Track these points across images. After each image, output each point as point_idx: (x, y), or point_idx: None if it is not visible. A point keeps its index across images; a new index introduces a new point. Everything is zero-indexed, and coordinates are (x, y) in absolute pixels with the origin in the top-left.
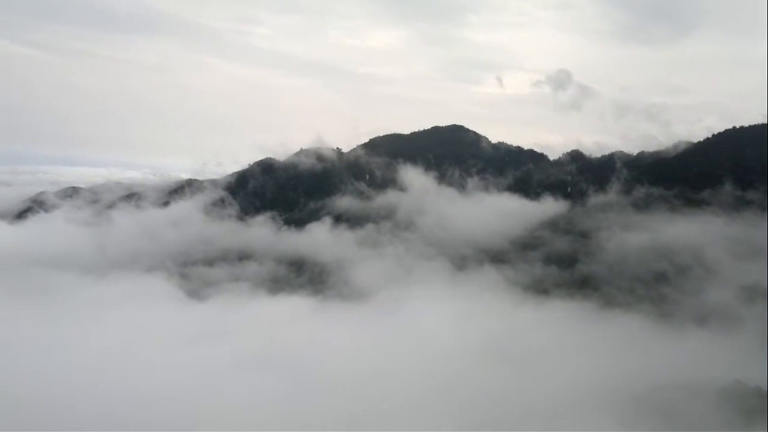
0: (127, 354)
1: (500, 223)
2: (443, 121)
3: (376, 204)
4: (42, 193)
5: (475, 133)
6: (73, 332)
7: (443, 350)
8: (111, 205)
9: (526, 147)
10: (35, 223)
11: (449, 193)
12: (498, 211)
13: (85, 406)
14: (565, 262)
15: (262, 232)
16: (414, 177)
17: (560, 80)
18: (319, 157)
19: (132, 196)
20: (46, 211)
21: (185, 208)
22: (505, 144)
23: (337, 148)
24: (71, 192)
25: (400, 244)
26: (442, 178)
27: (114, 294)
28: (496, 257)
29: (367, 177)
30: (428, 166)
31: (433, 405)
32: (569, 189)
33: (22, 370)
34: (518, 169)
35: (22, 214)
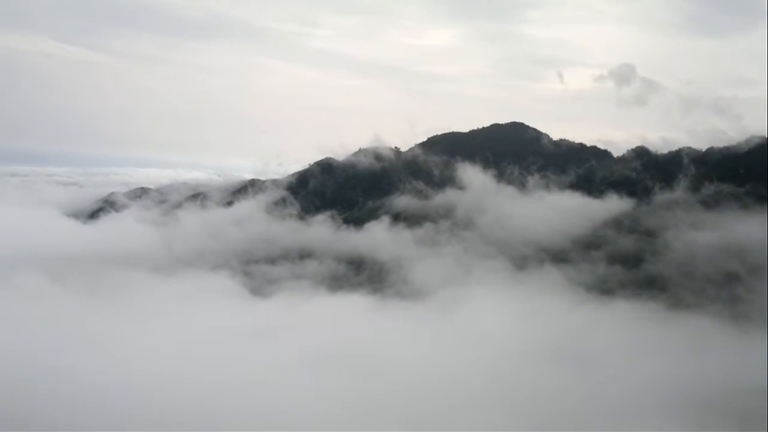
0: (194, 349)
1: (562, 222)
2: (502, 119)
3: (435, 203)
4: (113, 193)
5: (535, 130)
6: (143, 328)
7: (503, 351)
8: (178, 205)
9: (588, 144)
10: (106, 223)
11: (509, 191)
12: (559, 210)
13: (151, 399)
14: (630, 261)
15: (322, 230)
16: (473, 175)
17: (624, 75)
18: (378, 156)
19: (197, 196)
20: (116, 211)
21: (248, 207)
22: (567, 141)
23: (395, 147)
24: (140, 192)
25: (459, 243)
26: (502, 176)
27: (181, 291)
28: (558, 256)
29: (426, 176)
30: (487, 164)
31: (492, 406)
32: (634, 186)
33: (96, 364)
34: (581, 167)
35: (94, 214)
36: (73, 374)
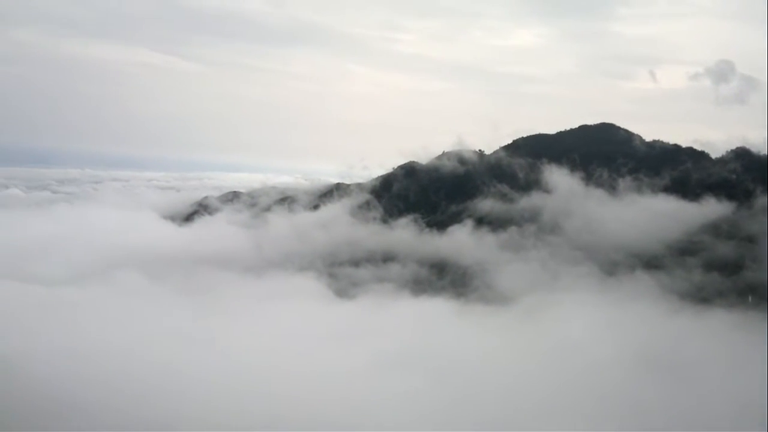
0: (281, 348)
1: (655, 227)
2: (591, 120)
3: (519, 206)
4: (206, 197)
5: (626, 131)
6: (234, 326)
7: (591, 359)
8: (267, 209)
9: (684, 145)
10: (200, 225)
11: (598, 194)
12: (652, 214)
13: (239, 396)
14: (729, 268)
15: (405, 234)
16: (559, 178)
17: (722, 72)
18: (461, 159)
19: (286, 199)
20: (209, 214)
21: (333, 210)
22: (661, 142)
23: (479, 150)
24: (232, 196)
25: (545, 247)
26: (590, 179)
27: (270, 291)
28: (650, 263)
29: (510, 179)
30: (574, 166)
31: (578, 417)
32: (734, 189)
33: (190, 361)
34: (675, 169)
35: (189, 217)
36: (168, 370)
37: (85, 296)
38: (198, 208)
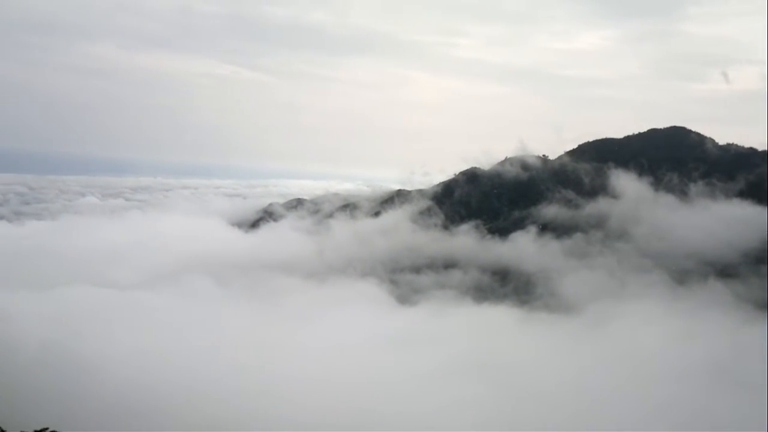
0: (344, 353)
1: (729, 233)
2: (660, 123)
3: (585, 212)
4: (271, 204)
5: (698, 134)
6: (298, 331)
7: (662, 370)
8: (330, 215)
9: (760, 148)
10: (265, 232)
11: (667, 200)
12: (726, 220)
13: (304, 401)
14: None
15: (467, 240)
16: (627, 183)
17: None
18: (524, 165)
19: (348, 206)
20: (274, 220)
21: (395, 217)
22: (735, 145)
23: (543, 156)
24: (296, 203)
25: (612, 255)
26: (659, 184)
27: (332, 297)
28: (724, 271)
29: (575, 184)
30: (642, 171)
31: (648, 429)
32: None
33: (255, 364)
34: (751, 173)
35: (255, 224)
36: (235, 374)
37: (157, 300)
38: (263, 215)
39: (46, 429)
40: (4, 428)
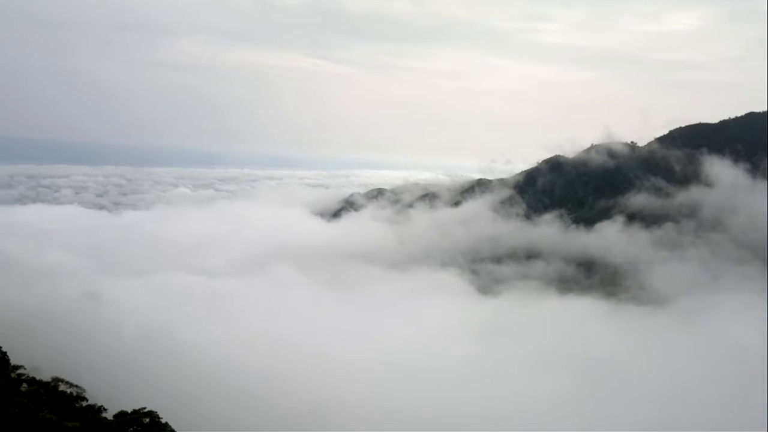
0: (424, 343)
1: None
2: (758, 107)
3: (676, 201)
4: (353, 194)
5: None
6: (378, 320)
7: (757, 366)
8: (410, 205)
9: None
10: (347, 221)
11: (765, 187)
12: None
13: (383, 389)
14: None
15: (550, 230)
16: (721, 170)
17: None
18: (611, 152)
19: (427, 195)
20: (355, 210)
21: (475, 206)
22: None
23: (631, 143)
24: (376, 193)
25: (705, 245)
26: (756, 171)
27: (412, 286)
28: None
29: (665, 172)
30: (738, 157)
31: (742, 428)
32: None
33: (337, 351)
34: None
35: (337, 214)
36: (318, 359)
37: (244, 287)
38: (345, 205)
39: (143, 408)
40: (105, 406)
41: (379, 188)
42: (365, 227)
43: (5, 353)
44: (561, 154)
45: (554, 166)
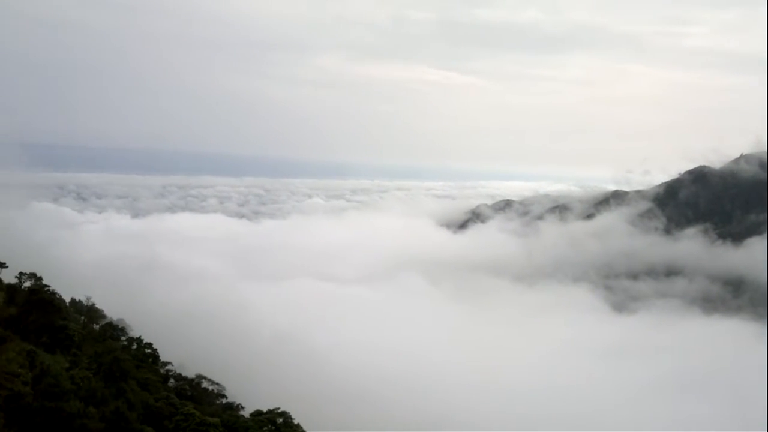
0: (555, 360)
1: None
2: None
3: None
4: (479, 206)
5: None
6: (507, 334)
7: None
8: (539, 217)
9: None
10: (473, 233)
11: None
12: None
13: (508, 404)
14: None
15: (693, 246)
16: None
17: None
18: (762, 163)
19: (558, 207)
20: (482, 222)
21: (609, 219)
22: None
23: None
24: (504, 205)
25: None
26: None
27: (542, 302)
28: None
29: None
30: None
31: None
32: None
33: (463, 363)
34: None
35: (463, 225)
36: (445, 370)
37: (372, 295)
38: (471, 216)
39: (277, 408)
40: (242, 404)
41: (507, 199)
42: (492, 239)
43: (156, 350)
44: (706, 164)
45: (698, 177)
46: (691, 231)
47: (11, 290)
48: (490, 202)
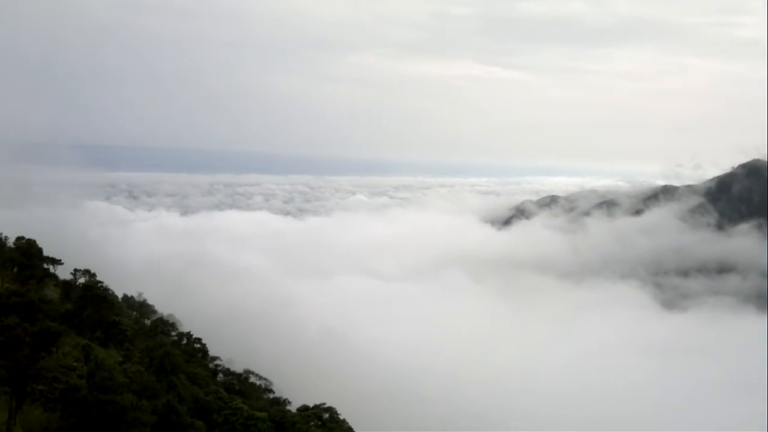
0: (603, 359)
1: None
2: None
3: None
4: (524, 202)
5: None
6: (552, 332)
7: None
8: (585, 213)
9: None
10: (518, 229)
11: None
12: None
13: (551, 404)
14: None
15: (747, 242)
16: None
17: None
18: None
19: (605, 203)
20: (526, 218)
21: (659, 215)
22: None
23: None
24: (549, 201)
25: None
26: None
27: (589, 299)
28: None
29: None
30: None
31: None
32: None
33: (507, 361)
34: None
35: (507, 221)
36: (491, 368)
37: (417, 291)
38: (515, 213)
39: (323, 404)
40: (289, 399)
41: (552, 195)
42: (537, 235)
43: (205, 345)
44: (759, 158)
45: (752, 171)
46: (744, 226)
47: (66, 286)
48: (534, 198)
